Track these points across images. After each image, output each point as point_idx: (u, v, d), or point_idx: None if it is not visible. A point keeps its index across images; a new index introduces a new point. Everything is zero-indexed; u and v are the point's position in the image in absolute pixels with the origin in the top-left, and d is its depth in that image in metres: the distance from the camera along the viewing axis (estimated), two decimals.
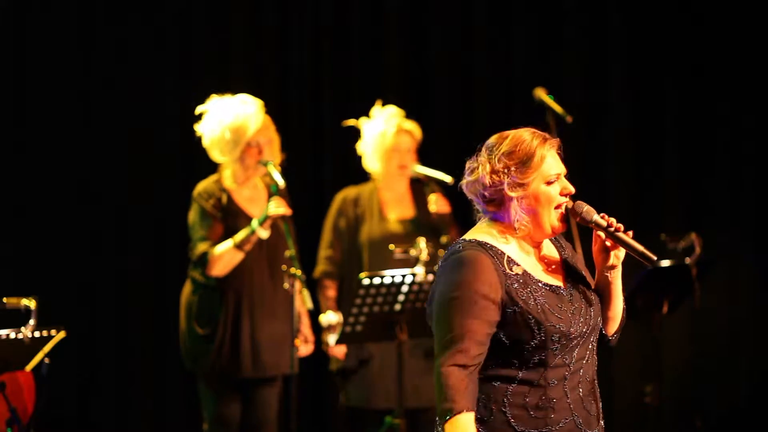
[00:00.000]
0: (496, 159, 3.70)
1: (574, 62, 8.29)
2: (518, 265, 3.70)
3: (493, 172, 3.70)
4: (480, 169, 3.72)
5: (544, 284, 3.72)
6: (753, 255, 8.09)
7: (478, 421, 3.66)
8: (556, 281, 3.77)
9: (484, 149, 3.75)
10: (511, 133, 3.75)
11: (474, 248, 3.69)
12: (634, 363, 7.99)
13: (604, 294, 3.84)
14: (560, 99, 7.17)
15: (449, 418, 3.58)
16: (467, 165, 3.78)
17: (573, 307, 3.72)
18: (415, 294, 6.44)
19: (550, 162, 3.72)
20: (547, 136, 3.76)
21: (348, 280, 6.97)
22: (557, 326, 3.66)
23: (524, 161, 3.69)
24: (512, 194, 3.70)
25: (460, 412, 3.57)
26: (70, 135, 8.39)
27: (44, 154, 8.36)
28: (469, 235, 3.75)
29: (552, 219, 3.73)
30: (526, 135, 3.73)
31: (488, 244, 3.70)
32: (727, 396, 8.10)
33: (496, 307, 3.64)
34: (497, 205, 3.73)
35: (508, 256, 3.70)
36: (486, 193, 3.72)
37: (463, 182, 3.78)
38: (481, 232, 3.76)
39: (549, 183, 3.72)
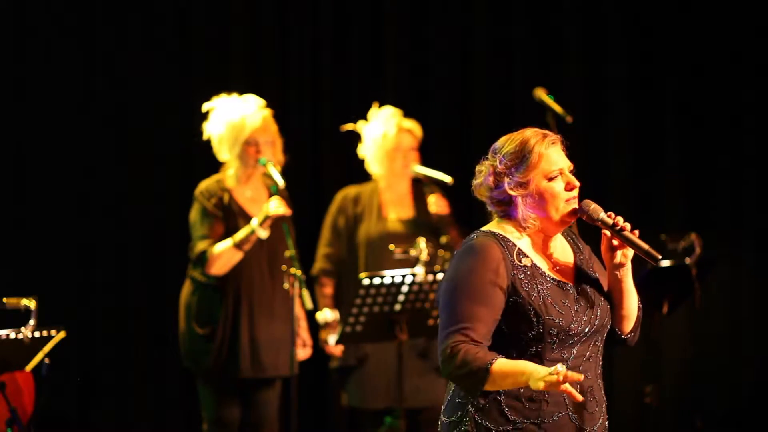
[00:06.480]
0: (498, 161, 3.78)
1: (574, 62, 8.29)
2: (527, 257, 3.75)
3: (496, 173, 3.78)
4: (484, 172, 3.80)
5: (551, 278, 3.77)
6: (753, 255, 8.08)
7: (476, 408, 3.70)
8: (565, 278, 3.81)
9: (490, 152, 3.82)
10: (515, 134, 3.81)
11: (485, 237, 3.75)
12: (634, 363, 7.98)
13: (615, 293, 3.87)
14: (560, 99, 7.16)
15: (490, 365, 3.56)
16: (476, 168, 3.84)
17: (578, 305, 3.76)
18: (415, 294, 6.43)
19: (550, 158, 3.77)
20: (547, 132, 3.80)
21: (345, 278, 6.97)
22: (556, 320, 3.70)
23: (522, 161, 3.75)
24: (514, 194, 3.76)
25: (493, 362, 3.57)
26: (70, 135, 8.39)
27: (44, 154, 8.37)
28: (485, 228, 3.82)
29: (562, 212, 3.77)
30: (527, 134, 3.80)
31: (501, 235, 3.76)
32: (728, 396, 8.10)
33: (503, 295, 3.68)
34: (506, 205, 3.79)
35: (519, 248, 3.75)
36: (493, 195, 3.79)
37: (473, 185, 3.85)
38: (496, 227, 3.82)
39: (551, 179, 3.76)
